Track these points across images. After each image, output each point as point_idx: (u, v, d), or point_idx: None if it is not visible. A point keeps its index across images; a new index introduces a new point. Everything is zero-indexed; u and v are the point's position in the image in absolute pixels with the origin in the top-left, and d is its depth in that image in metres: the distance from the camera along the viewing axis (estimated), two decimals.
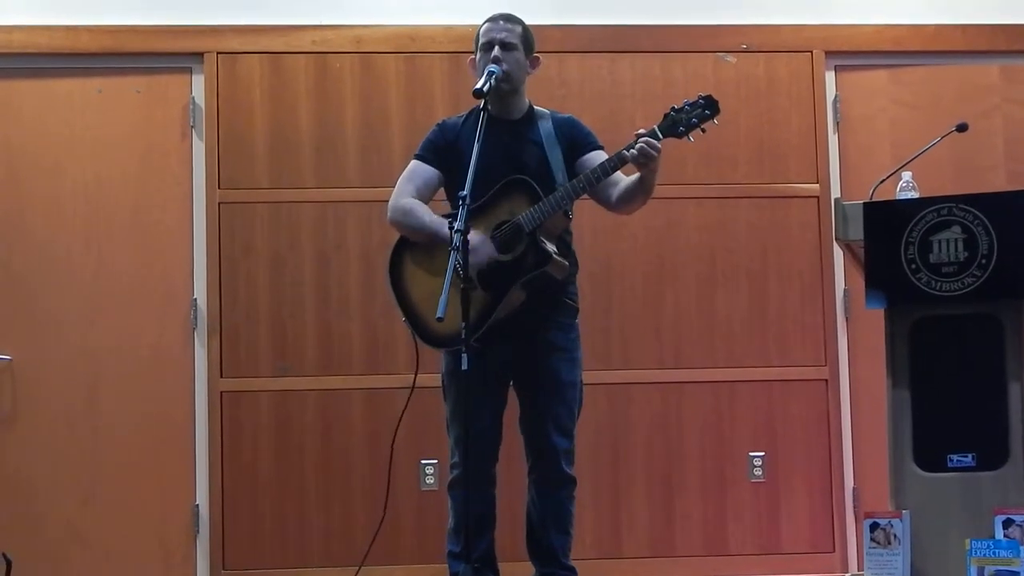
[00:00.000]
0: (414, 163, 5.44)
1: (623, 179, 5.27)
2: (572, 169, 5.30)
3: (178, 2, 7.07)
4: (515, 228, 5.13)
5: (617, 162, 5.12)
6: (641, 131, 5.07)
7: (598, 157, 5.30)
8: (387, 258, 5.38)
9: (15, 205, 6.99)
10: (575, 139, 5.38)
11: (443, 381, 5.39)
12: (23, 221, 6.98)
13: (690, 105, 5.11)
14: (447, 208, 5.39)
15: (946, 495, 4.91)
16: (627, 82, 7.17)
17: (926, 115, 7.11)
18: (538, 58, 5.48)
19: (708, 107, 5.11)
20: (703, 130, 5.13)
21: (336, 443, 6.95)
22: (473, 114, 5.36)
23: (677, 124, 5.10)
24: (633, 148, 5.02)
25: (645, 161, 5.03)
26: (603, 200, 5.34)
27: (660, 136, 5.06)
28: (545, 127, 5.37)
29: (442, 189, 5.46)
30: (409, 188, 5.37)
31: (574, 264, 5.38)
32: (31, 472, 6.89)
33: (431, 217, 5.28)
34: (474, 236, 4.97)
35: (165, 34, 7.03)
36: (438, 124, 5.52)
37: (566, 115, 5.51)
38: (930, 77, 7.28)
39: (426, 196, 5.39)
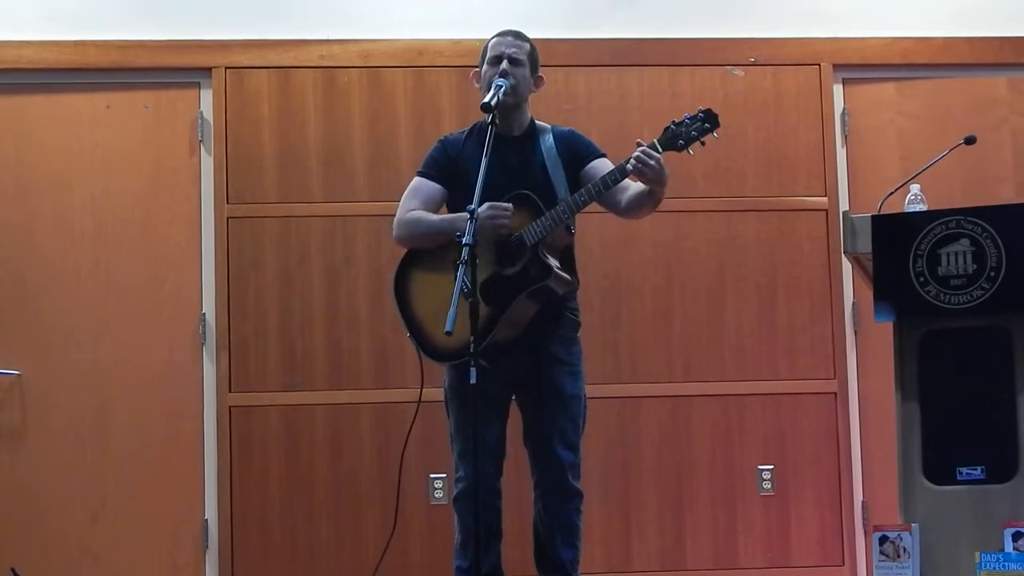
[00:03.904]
0: (417, 179, 5.45)
1: (632, 186, 5.28)
2: (576, 181, 5.32)
3: (186, 17, 7.08)
4: (518, 242, 5.14)
5: (618, 175, 5.14)
6: (640, 142, 5.09)
7: (602, 165, 5.33)
8: (392, 275, 5.39)
9: (24, 220, 7.00)
10: (576, 151, 5.40)
11: (445, 396, 5.40)
12: (32, 236, 6.99)
13: (690, 119, 5.12)
14: None
15: (956, 508, 4.90)
16: (635, 96, 7.18)
17: (934, 128, 7.11)
18: (542, 78, 5.50)
19: (707, 120, 5.13)
20: (703, 143, 5.14)
21: (345, 457, 6.95)
22: (475, 130, 5.42)
23: (677, 138, 5.12)
24: (631, 159, 5.05)
25: (644, 170, 5.04)
26: (611, 205, 5.34)
27: (660, 150, 5.07)
28: (547, 142, 5.39)
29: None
30: (413, 204, 5.39)
31: (576, 280, 5.37)
32: (40, 487, 6.89)
33: (439, 217, 5.30)
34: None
35: (173, 49, 7.05)
36: (440, 140, 5.54)
37: (566, 128, 5.53)
38: (938, 90, 7.28)
39: (431, 211, 5.39)
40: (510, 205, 5.15)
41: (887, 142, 7.25)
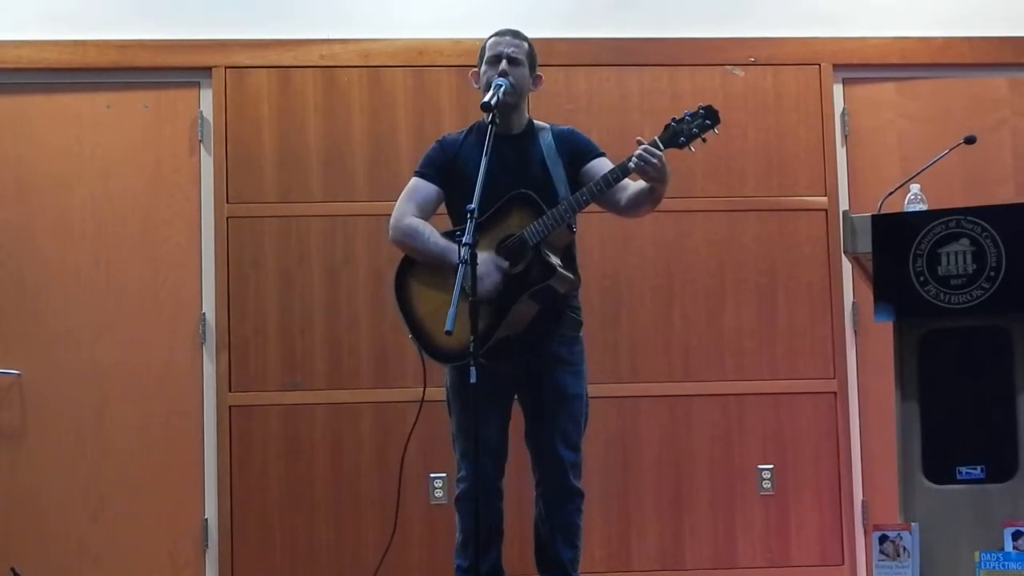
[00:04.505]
0: (415, 180, 5.44)
1: (632, 184, 5.27)
2: (576, 180, 5.31)
3: (186, 17, 7.08)
4: (519, 242, 5.13)
5: (620, 173, 5.12)
6: (641, 141, 5.08)
7: (601, 164, 5.32)
8: (392, 275, 5.38)
9: (24, 220, 7.00)
10: (576, 150, 5.39)
11: (447, 396, 5.40)
12: (32, 236, 6.99)
13: (690, 115, 5.11)
14: (447, 223, 5.39)
15: (955, 507, 4.90)
16: (635, 95, 7.18)
17: (934, 128, 7.11)
18: (540, 76, 5.49)
19: (708, 117, 5.12)
20: (704, 140, 5.13)
21: (345, 457, 6.95)
22: (473, 130, 5.41)
23: (678, 135, 5.11)
24: (633, 157, 5.04)
25: (646, 168, 5.03)
26: (611, 204, 5.32)
27: (661, 147, 5.06)
28: (546, 141, 5.38)
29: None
30: (410, 206, 5.37)
31: (578, 279, 5.36)
32: (40, 487, 6.89)
33: (436, 241, 5.25)
34: (482, 257, 4.92)
35: (173, 49, 7.05)
36: (438, 141, 5.53)
37: (565, 127, 5.52)
38: (938, 90, 7.28)
39: (427, 213, 5.39)
40: (506, 263, 5.15)
41: (887, 142, 7.25)
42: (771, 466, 7.06)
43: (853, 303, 7.16)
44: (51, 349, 6.94)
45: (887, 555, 4.89)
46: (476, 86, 5.44)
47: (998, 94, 7.31)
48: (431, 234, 5.29)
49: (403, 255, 5.39)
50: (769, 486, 7.05)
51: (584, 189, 5.17)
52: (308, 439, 6.95)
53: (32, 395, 6.92)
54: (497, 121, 5.11)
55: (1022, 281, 4.83)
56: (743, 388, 7.09)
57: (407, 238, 5.33)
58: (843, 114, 7.26)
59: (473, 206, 4.75)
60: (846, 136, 7.25)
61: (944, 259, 4.91)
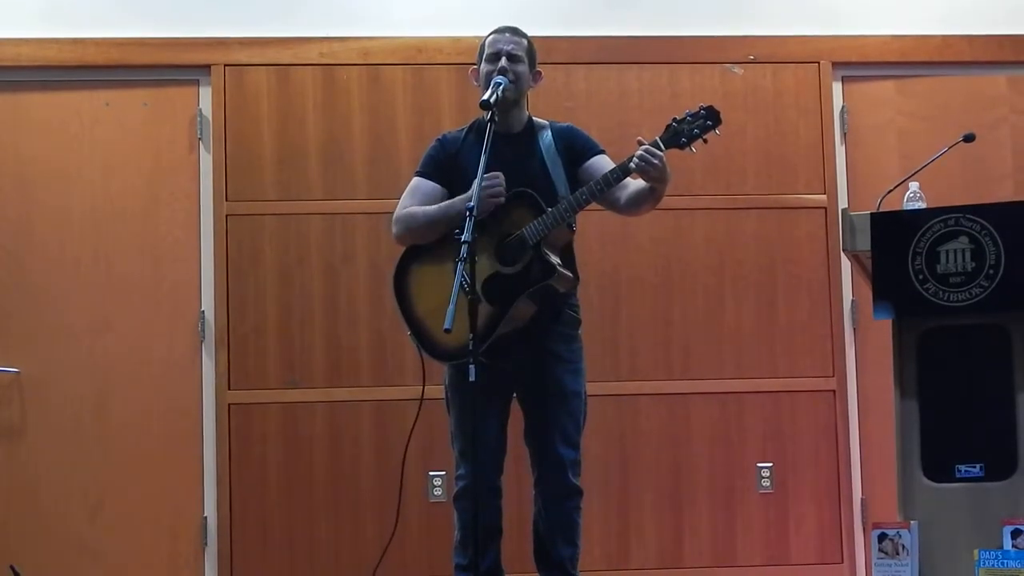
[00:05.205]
0: (416, 180, 5.42)
1: (632, 183, 5.25)
2: (575, 177, 5.30)
3: (185, 15, 7.08)
4: (519, 241, 5.12)
5: (620, 174, 5.10)
6: (642, 141, 5.07)
7: (601, 162, 5.30)
8: (391, 273, 5.37)
9: (24, 217, 7.00)
10: (575, 148, 5.37)
11: (446, 394, 5.39)
12: (32, 233, 6.99)
13: (691, 115, 5.10)
14: None
15: (954, 505, 4.90)
16: (634, 93, 7.18)
17: (933, 126, 7.10)
18: (540, 72, 5.48)
19: (709, 117, 5.10)
20: (705, 140, 5.12)
21: (344, 455, 6.95)
22: (473, 129, 5.38)
23: (679, 135, 5.09)
24: (634, 158, 5.03)
25: (647, 169, 5.02)
26: (611, 203, 5.30)
27: (663, 147, 5.05)
28: (545, 140, 5.36)
29: None
30: (412, 203, 5.35)
31: (577, 277, 5.35)
32: (40, 484, 6.89)
33: (434, 206, 5.26)
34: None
35: (172, 47, 7.04)
36: (438, 139, 5.51)
37: (565, 124, 5.50)
38: (937, 88, 7.28)
39: None
40: (500, 174, 5.13)
41: (886, 140, 7.25)
42: (770, 464, 7.06)
43: (852, 301, 7.17)
44: (50, 347, 6.95)
45: (886, 553, 4.90)
46: (476, 84, 5.42)
47: (997, 92, 7.31)
48: (427, 207, 5.29)
49: (402, 252, 5.39)
50: (768, 484, 7.05)
51: (584, 188, 5.15)
52: (307, 437, 6.95)
53: (31, 392, 6.92)
54: (496, 119, 5.10)
55: (1021, 279, 4.83)
56: (742, 386, 7.09)
57: (407, 221, 5.31)
58: (842, 112, 7.26)
59: (472, 204, 4.75)
60: (845, 134, 7.25)
61: (943, 257, 4.91)
